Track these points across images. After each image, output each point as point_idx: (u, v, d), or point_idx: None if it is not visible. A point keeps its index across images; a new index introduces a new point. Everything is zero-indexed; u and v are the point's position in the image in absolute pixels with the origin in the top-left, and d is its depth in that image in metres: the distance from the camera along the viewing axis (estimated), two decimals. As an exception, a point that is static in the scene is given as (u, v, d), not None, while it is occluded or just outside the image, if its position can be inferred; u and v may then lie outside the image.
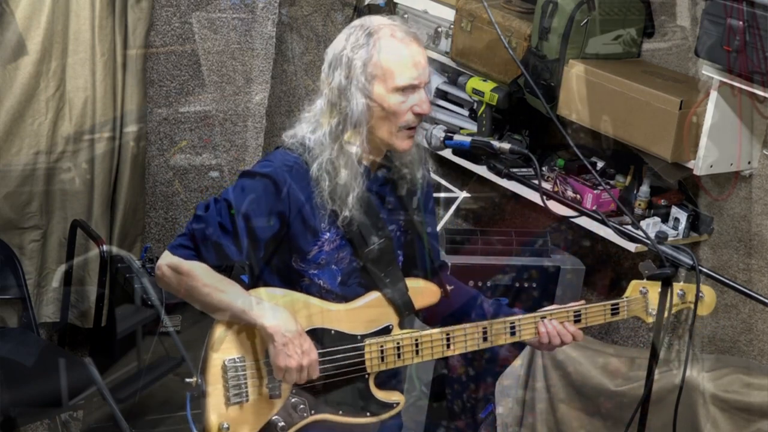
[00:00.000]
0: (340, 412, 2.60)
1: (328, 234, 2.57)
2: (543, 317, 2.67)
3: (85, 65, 3.95)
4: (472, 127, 4.11)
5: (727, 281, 2.45)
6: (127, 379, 3.73)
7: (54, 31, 3.87)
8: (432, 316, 2.78)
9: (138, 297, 3.79)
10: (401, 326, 2.64)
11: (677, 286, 2.66)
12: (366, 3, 4.48)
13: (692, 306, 2.64)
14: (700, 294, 2.67)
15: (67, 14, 3.89)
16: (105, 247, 3.82)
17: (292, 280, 2.61)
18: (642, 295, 2.71)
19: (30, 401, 3.50)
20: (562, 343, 2.68)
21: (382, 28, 2.52)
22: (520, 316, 2.67)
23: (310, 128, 2.58)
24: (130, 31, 4.05)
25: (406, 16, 4.36)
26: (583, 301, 2.73)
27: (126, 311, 3.88)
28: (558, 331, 2.66)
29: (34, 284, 4.07)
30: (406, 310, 2.64)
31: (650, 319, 2.69)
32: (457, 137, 2.56)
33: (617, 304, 2.70)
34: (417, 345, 2.62)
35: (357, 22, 2.58)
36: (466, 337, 2.64)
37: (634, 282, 2.72)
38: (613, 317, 2.72)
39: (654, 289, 2.65)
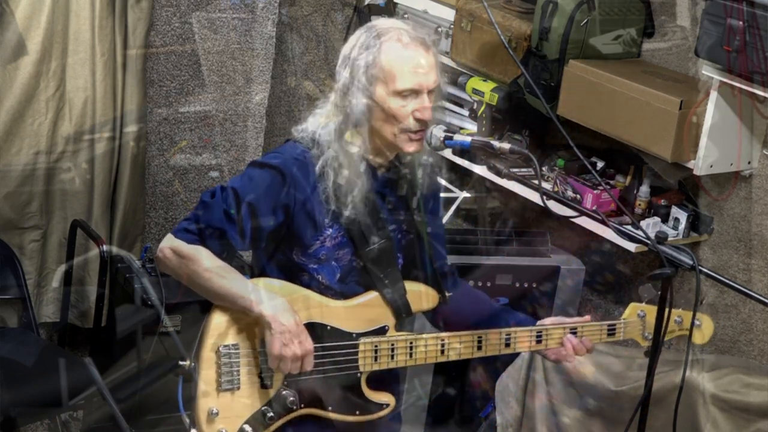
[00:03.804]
0: (330, 408, 2.60)
1: (330, 230, 2.58)
2: (540, 332, 2.68)
3: (85, 65, 3.95)
4: (472, 127, 4.11)
5: (727, 281, 2.44)
6: (127, 379, 3.73)
7: (54, 31, 3.87)
8: (445, 325, 2.77)
9: (138, 297, 3.79)
10: (397, 328, 2.64)
11: (675, 313, 2.67)
12: (366, 3, 4.48)
13: (687, 332, 2.67)
14: (697, 322, 2.69)
15: (67, 14, 3.89)
16: (105, 247, 3.82)
17: (293, 274, 2.61)
18: (640, 319, 2.72)
19: (30, 401, 3.50)
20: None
21: (390, 31, 2.53)
22: (517, 329, 2.68)
23: (319, 123, 2.59)
24: (130, 31, 4.05)
25: (406, 16, 4.35)
26: (588, 317, 2.74)
27: (126, 311, 3.88)
28: (574, 346, 2.69)
29: (34, 284, 4.07)
30: (403, 313, 2.64)
31: (646, 343, 2.71)
32: (457, 137, 2.56)
33: (614, 325, 2.72)
34: (411, 348, 2.62)
35: (370, 23, 2.60)
36: (460, 345, 2.64)
37: (632, 305, 2.73)
38: (609, 338, 2.73)
39: (652, 313, 2.65)
